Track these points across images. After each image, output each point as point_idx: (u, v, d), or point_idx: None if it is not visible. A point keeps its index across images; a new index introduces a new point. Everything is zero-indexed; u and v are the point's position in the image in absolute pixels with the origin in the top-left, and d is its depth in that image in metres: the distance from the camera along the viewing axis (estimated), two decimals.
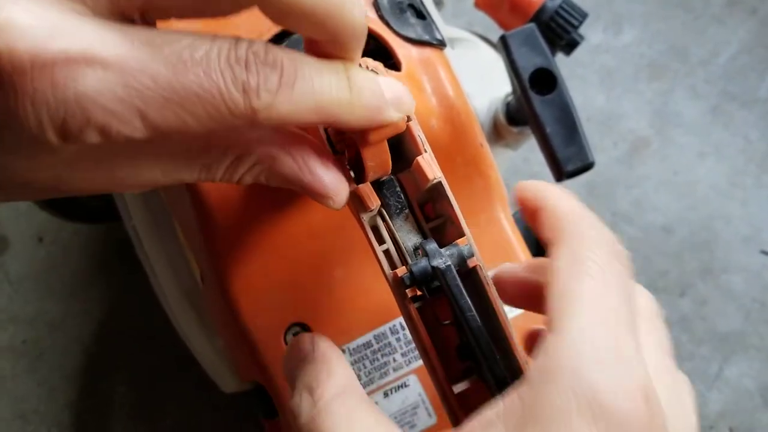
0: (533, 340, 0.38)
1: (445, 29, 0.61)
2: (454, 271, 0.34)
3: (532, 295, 0.36)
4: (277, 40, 0.47)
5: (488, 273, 0.35)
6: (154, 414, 0.82)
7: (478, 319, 0.34)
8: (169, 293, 0.56)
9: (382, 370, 0.48)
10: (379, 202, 0.35)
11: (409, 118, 0.36)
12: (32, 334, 0.84)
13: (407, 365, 0.48)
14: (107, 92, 0.25)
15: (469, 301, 0.34)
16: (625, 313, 0.28)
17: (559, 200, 0.34)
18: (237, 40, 0.28)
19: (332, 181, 0.33)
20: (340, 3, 0.29)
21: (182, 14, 0.29)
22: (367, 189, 0.35)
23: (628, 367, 0.26)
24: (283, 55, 0.29)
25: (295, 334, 0.47)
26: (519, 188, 0.36)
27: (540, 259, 0.36)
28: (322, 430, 0.29)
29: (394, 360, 0.48)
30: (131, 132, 0.26)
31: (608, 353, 0.26)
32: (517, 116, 0.59)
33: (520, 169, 0.92)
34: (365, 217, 0.36)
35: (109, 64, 0.25)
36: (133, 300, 0.85)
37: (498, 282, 0.37)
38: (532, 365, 0.28)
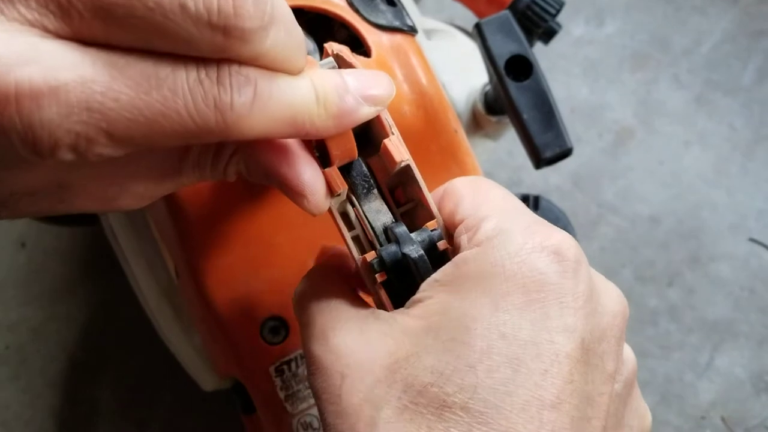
0: None
1: (422, 20, 0.60)
2: (427, 262, 0.33)
3: None
4: None
5: None
6: (140, 418, 0.81)
7: None
8: (147, 291, 0.55)
9: None
10: (347, 186, 0.35)
11: None
12: (15, 341, 0.83)
13: None
14: (71, 116, 0.25)
15: None
16: (521, 207, 0.35)
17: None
18: (204, 59, 0.28)
19: (310, 179, 0.33)
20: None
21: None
22: (333, 173, 0.34)
23: (538, 233, 0.32)
24: (255, 71, 0.28)
25: (270, 329, 0.47)
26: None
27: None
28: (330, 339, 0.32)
29: None
30: (102, 150, 0.26)
31: (522, 227, 0.32)
32: (495, 105, 0.58)
33: (505, 162, 0.91)
34: (333, 203, 0.35)
35: (71, 89, 0.25)
36: (117, 304, 0.84)
37: None
38: (463, 245, 0.33)
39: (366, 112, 0.32)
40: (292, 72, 0.30)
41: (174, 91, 0.26)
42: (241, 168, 0.34)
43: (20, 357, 0.83)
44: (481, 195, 0.35)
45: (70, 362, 0.82)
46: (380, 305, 0.35)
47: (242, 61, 0.28)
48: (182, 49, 0.27)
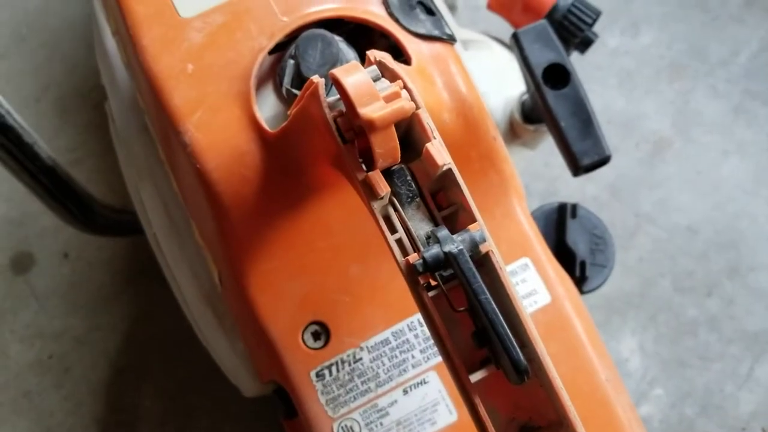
0: None
1: (459, 31, 0.61)
2: (467, 255, 0.34)
3: None
4: (289, 40, 0.47)
5: (501, 259, 0.35)
6: (181, 425, 0.82)
7: (492, 301, 0.33)
8: (190, 298, 0.56)
9: (401, 367, 0.47)
10: (389, 189, 0.35)
11: (417, 107, 0.36)
12: (58, 350, 0.85)
13: (426, 362, 0.47)
14: None
15: (483, 285, 0.33)
16: None
17: None
18: None
19: None
20: None
21: None
22: (376, 176, 0.35)
23: None
24: None
25: (312, 334, 0.47)
26: None
27: None
28: None
29: (413, 357, 0.47)
30: None
31: None
32: (532, 114, 0.59)
33: (541, 173, 0.91)
34: (376, 206, 0.36)
35: None
36: (159, 313, 0.85)
37: None
38: None
39: None
40: None
41: None
42: None
43: (64, 365, 0.84)
44: None
45: (112, 370, 0.84)
46: (423, 309, 0.35)
47: None
48: None
